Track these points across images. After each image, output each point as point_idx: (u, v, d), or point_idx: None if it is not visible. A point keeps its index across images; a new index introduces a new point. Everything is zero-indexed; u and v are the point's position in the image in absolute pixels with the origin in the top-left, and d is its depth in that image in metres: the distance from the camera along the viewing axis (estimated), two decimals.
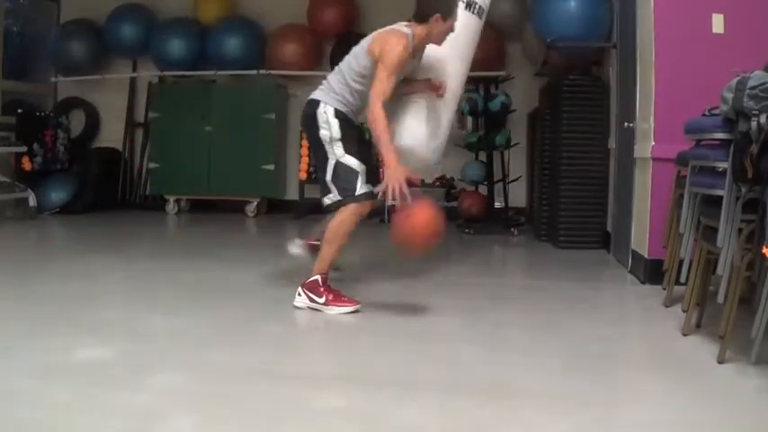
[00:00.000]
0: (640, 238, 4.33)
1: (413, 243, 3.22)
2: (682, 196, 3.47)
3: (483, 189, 6.83)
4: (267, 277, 4.43)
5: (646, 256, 4.19)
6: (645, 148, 4.22)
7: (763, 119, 2.48)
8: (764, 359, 2.62)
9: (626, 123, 4.73)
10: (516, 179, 6.93)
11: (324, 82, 3.53)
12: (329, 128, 3.41)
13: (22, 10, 8.18)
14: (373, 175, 3.51)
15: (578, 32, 5.38)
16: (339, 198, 3.39)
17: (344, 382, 2.52)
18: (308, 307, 3.39)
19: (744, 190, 2.62)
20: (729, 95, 2.67)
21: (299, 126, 3.84)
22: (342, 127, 3.42)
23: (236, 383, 2.47)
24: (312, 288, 3.40)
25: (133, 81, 8.03)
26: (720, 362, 2.68)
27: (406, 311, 3.58)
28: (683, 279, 3.35)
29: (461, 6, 3.75)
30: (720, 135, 2.90)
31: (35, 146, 6.93)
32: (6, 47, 7.60)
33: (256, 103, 7.44)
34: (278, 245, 6.32)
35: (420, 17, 3.51)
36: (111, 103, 8.03)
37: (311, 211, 7.53)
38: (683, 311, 3.28)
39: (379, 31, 3.49)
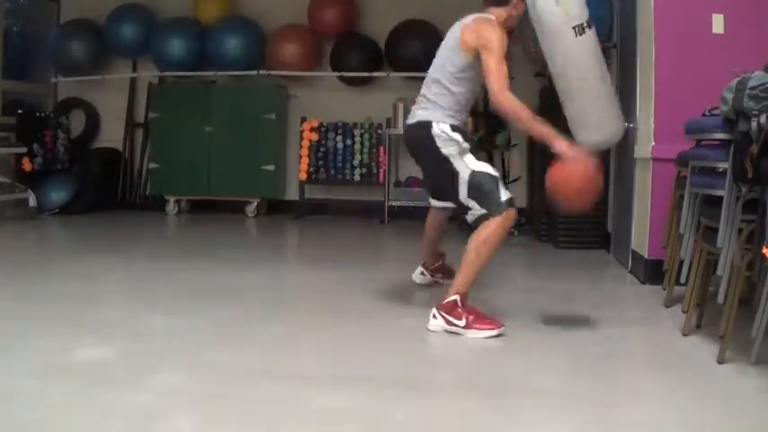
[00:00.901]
0: (640, 239, 4.33)
1: (567, 192, 3.08)
2: (682, 196, 3.47)
3: None
4: (267, 277, 4.44)
5: (646, 256, 4.19)
6: (645, 148, 4.22)
7: (763, 119, 2.48)
8: (764, 359, 2.62)
9: (626, 123, 4.73)
10: (516, 179, 6.93)
11: (422, 99, 3.32)
12: (455, 143, 3.19)
13: (22, 10, 8.17)
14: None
15: None
16: (483, 212, 3.11)
17: (344, 382, 2.52)
18: (446, 331, 3.08)
19: (744, 190, 2.62)
20: (729, 95, 2.67)
21: (411, 152, 3.50)
22: (466, 139, 3.22)
23: (236, 383, 2.47)
24: (450, 310, 3.09)
25: (133, 81, 8.03)
26: (720, 362, 2.68)
27: (406, 311, 3.58)
28: (683, 279, 3.35)
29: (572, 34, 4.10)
30: (720, 135, 2.90)
31: (35, 146, 6.92)
32: (6, 47, 7.60)
33: (256, 104, 7.43)
34: (278, 245, 6.36)
35: (497, 0, 3.32)
36: (111, 103, 8.03)
37: (311, 212, 7.56)
38: (683, 312, 3.28)
39: (463, 22, 3.28)
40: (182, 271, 4.50)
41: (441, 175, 3.27)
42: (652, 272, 4.11)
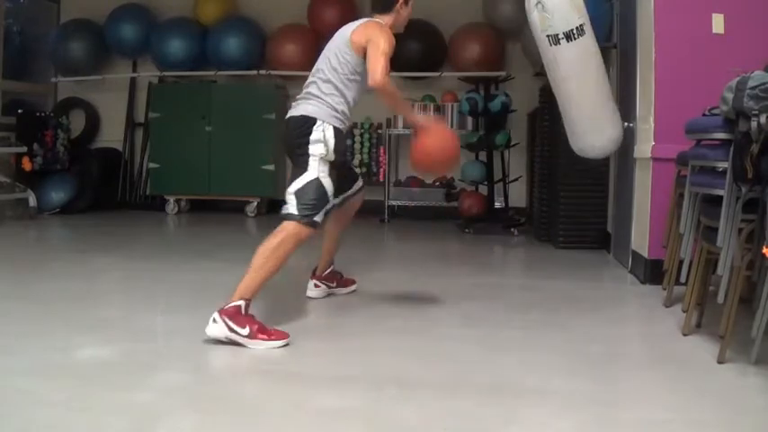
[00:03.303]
0: (640, 238, 4.33)
1: (430, 160, 3.36)
2: (682, 196, 3.47)
3: (483, 189, 6.83)
4: None
5: (646, 256, 4.19)
6: (645, 148, 4.22)
7: (763, 119, 2.48)
8: (764, 359, 2.62)
9: (626, 123, 4.73)
10: (516, 179, 6.93)
11: (308, 95, 3.24)
12: (326, 147, 3.13)
13: (22, 10, 8.18)
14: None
15: None
16: (294, 213, 3.05)
17: (344, 382, 2.52)
18: (226, 338, 2.84)
19: (744, 190, 2.62)
20: (729, 95, 2.67)
21: (283, 141, 3.50)
22: (336, 148, 3.17)
23: (236, 383, 2.47)
24: (233, 315, 2.87)
25: (133, 81, 8.03)
26: (720, 362, 2.68)
27: (406, 311, 3.58)
28: (683, 279, 3.35)
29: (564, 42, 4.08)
30: (720, 135, 2.91)
31: (35, 146, 6.93)
32: (6, 47, 7.60)
33: (256, 103, 7.44)
34: None
35: (383, 6, 3.36)
36: (111, 103, 8.04)
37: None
38: (683, 311, 3.28)
39: (350, 26, 3.29)
40: (182, 271, 4.50)
41: (298, 161, 3.20)
42: (652, 272, 4.11)
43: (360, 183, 3.71)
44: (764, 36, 3.91)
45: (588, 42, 4.20)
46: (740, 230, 2.68)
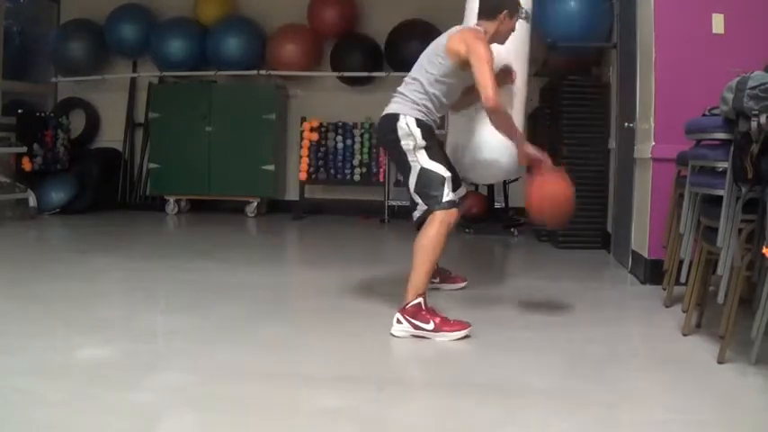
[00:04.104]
0: (640, 239, 4.33)
1: (546, 210, 3.21)
2: (682, 196, 3.47)
3: (483, 189, 6.83)
4: (267, 277, 4.44)
5: (646, 256, 4.19)
6: (645, 148, 4.22)
7: (763, 119, 2.48)
8: (764, 359, 2.62)
9: (626, 123, 4.73)
10: (516, 179, 6.93)
11: (397, 95, 3.34)
12: (412, 137, 3.22)
13: (22, 10, 8.18)
14: (457, 183, 3.41)
15: (578, 33, 5.38)
16: (425, 207, 3.18)
17: (344, 382, 2.52)
18: (413, 336, 3.02)
19: (744, 190, 2.62)
20: (729, 96, 2.67)
21: (377, 142, 3.57)
22: (424, 136, 3.23)
23: (236, 383, 2.47)
24: (415, 313, 3.05)
25: (133, 81, 8.03)
26: (720, 362, 2.68)
27: None
28: (683, 279, 3.35)
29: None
30: (720, 135, 2.91)
31: (35, 146, 6.93)
32: (6, 47, 7.60)
33: (256, 104, 7.44)
34: (278, 245, 6.36)
35: (487, 13, 3.36)
36: (111, 103, 8.04)
37: (311, 212, 7.56)
38: (683, 311, 3.28)
39: (451, 31, 3.34)
40: (182, 271, 4.50)
41: (401, 166, 3.32)
42: (652, 272, 4.11)
43: (463, 190, 3.69)
44: (764, 36, 3.91)
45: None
46: (740, 230, 2.68)
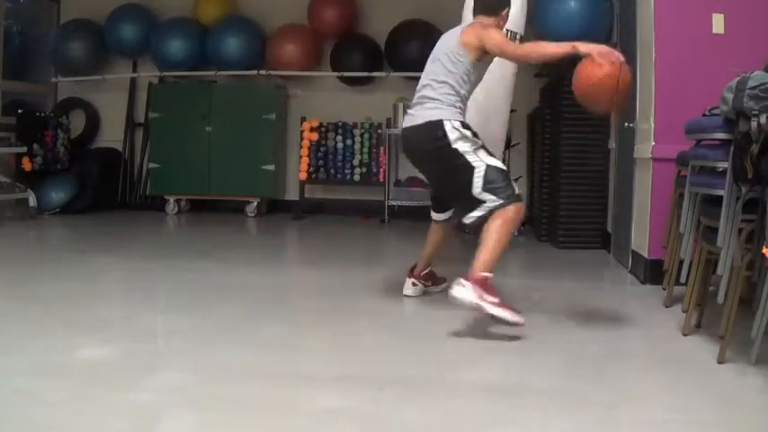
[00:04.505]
0: (640, 238, 4.33)
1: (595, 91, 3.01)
2: (682, 196, 3.47)
3: None
4: (267, 277, 4.44)
5: (646, 256, 4.19)
6: (645, 148, 4.22)
7: (763, 119, 2.48)
8: (764, 359, 2.62)
9: (626, 123, 4.73)
10: (516, 179, 6.92)
11: (424, 100, 3.33)
12: (468, 139, 3.24)
13: (22, 10, 8.18)
14: None
15: (578, 33, 5.37)
16: (499, 202, 3.16)
17: (344, 382, 2.52)
18: (473, 302, 2.99)
19: (744, 190, 2.62)
20: (729, 96, 2.67)
21: (414, 150, 3.47)
22: (476, 135, 3.27)
23: (236, 383, 2.47)
24: (482, 283, 3.03)
25: (133, 81, 8.03)
26: (720, 362, 2.68)
27: (406, 311, 3.58)
28: (683, 279, 3.35)
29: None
30: (720, 135, 2.91)
31: (35, 146, 6.93)
32: (6, 47, 7.60)
33: (256, 104, 7.44)
34: (278, 245, 6.36)
35: (488, 9, 3.41)
36: (111, 103, 8.04)
37: (311, 212, 7.56)
38: (683, 311, 3.28)
39: (456, 29, 3.40)
40: (182, 271, 4.50)
41: (449, 174, 3.28)
42: (652, 272, 4.11)
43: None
44: (764, 36, 3.91)
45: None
46: (740, 230, 2.68)
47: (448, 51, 3.33)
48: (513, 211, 3.19)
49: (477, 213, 3.23)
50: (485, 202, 3.20)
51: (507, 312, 3.02)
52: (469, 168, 3.21)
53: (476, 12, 3.46)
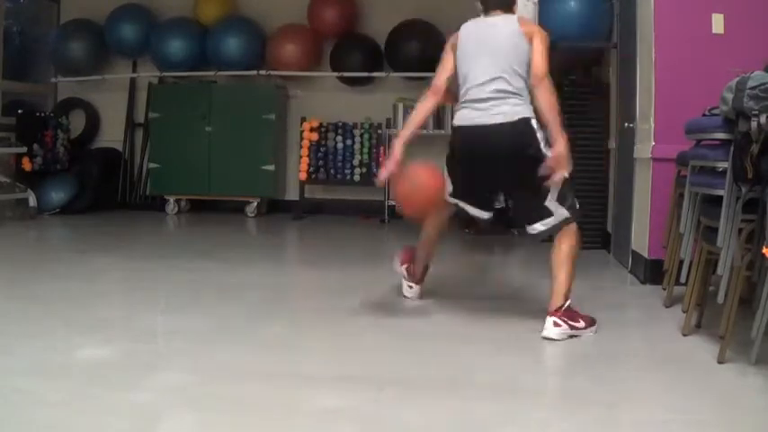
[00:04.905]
0: (640, 239, 4.33)
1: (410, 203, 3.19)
2: (682, 196, 3.47)
3: None
4: (267, 277, 4.44)
5: (646, 256, 4.19)
6: (645, 148, 4.22)
7: (763, 119, 2.48)
8: (764, 359, 2.62)
9: (626, 123, 4.73)
10: None
11: (507, 93, 3.09)
12: (547, 141, 3.03)
13: (22, 10, 8.18)
14: None
15: (578, 32, 5.38)
16: (567, 216, 3.05)
17: (344, 382, 2.52)
18: (570, 336, 3.02)
19: (744, 190, 2.62)
20: (729, 96, 2.67)
21: (503, 153, 3.11)
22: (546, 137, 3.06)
23: (236, 383, 2.47)
24: (571, 316, 3.04)
25: (133, 81, 8.03)
26: (720, 362, 2.68)
27: (406, 311, 3.58)
28: (683, 279, 3.35)
29: None
30: (720, 135, 2.91)
31: (35, 146, 6.92)
32: (6, 47, 7.60)
33: (256, 104, 7.44)
34: (278, 245, 6.36)
35: (505, 5, 3.24)
36: (111, 103, 8.03)
37: (311, 212, 7.56)
38: (683, 311, 3.28)
39: (509, 21, 3.18)
40: (182, 271, 4.50)
41: (529, 178, 3.03)
42: (652, 272, 4.11)
43: None
44: (764, 36, 3.91)
45: None
46: (740, 230, 2.68)
47: (511, 43, 3.10)
48: (576, 231, 3.10)
49: (543, 227, 3.10)
50: (553, 213, 3.07)
51: (592, 326, 3.12)
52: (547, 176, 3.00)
53: (491, 7, 3.24)
